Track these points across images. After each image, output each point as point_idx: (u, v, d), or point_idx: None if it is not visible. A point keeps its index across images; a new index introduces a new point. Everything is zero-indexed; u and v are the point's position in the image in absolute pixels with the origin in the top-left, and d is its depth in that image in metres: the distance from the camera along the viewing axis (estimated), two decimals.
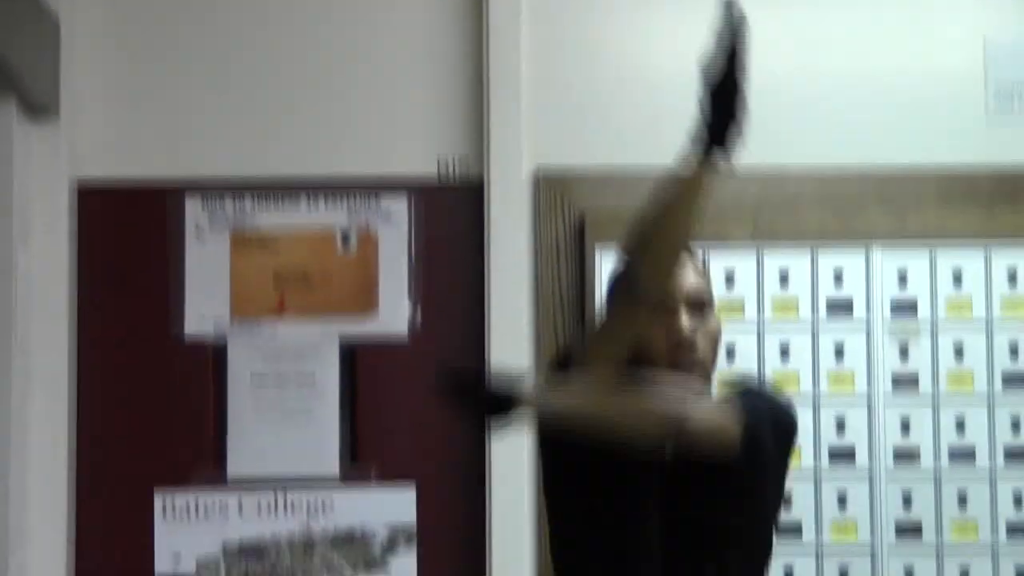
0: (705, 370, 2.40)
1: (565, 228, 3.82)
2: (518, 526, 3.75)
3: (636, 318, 2.30)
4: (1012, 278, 3.79)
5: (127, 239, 3.94)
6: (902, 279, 3.79)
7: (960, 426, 3.76)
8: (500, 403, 2.29)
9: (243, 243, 3.92)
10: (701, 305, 2.40)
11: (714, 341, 2.41)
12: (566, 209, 3.82)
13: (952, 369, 3.78)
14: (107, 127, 3.92)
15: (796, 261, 3.81)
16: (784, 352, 3.78)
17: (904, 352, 3.77)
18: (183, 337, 3.90)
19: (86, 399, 3.89)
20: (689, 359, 2.37)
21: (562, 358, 2.50)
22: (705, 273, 2.48)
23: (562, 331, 3.79)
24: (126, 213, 3.93)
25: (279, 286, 3.91)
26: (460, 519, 3.85)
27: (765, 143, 3.83)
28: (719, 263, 3.78)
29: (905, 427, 3.76)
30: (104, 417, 3.90)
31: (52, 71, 3.81)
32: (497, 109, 3.84)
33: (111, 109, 3.92)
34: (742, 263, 3.80)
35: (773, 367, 3.77)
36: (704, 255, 3.74)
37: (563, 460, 2.47)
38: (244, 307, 3.91)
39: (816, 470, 3.75)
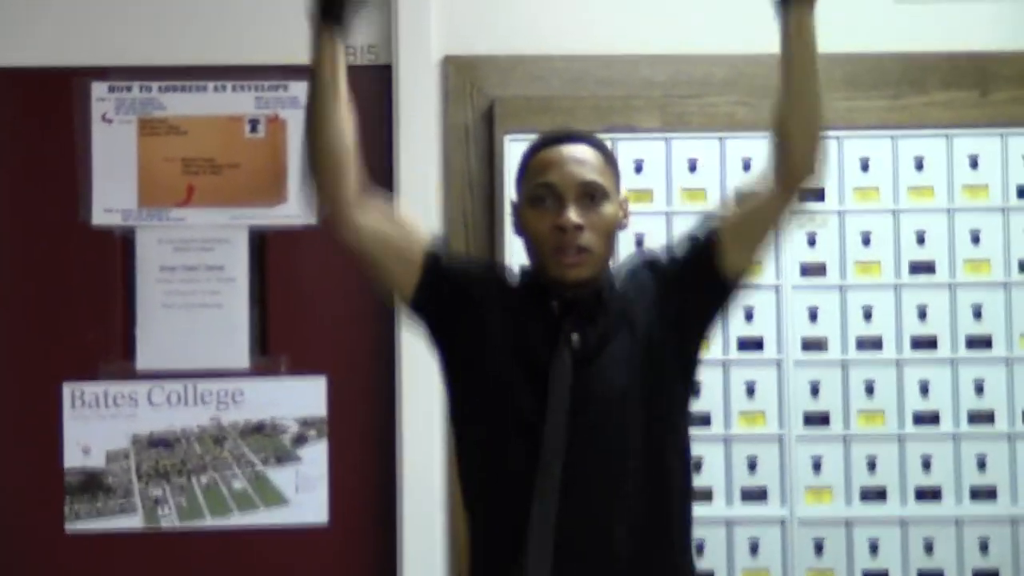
0: (593, 257, 2.48)
1: (474, 114, 3.81)
2: (429, 416, 3.75)
3: None
4: (919, 166, 3.80)
5: (32, 125, 3.89)
6: None
7: (867, 315, 3.78)
8: None
9: (150, 130, 3.89)
10: (592, 195, 2.48)
11: (606, 230, 2.50)
12: (475, 95, 3.81)
13: (859, 258, 3.79)
14: (12, 12, 3.87)
15: (705, 150, 3.81)
16: None
17: (812, 241, 3.78)
18: (90, 226, 3.87)
19: None
20: (571, 244, 2.45)
21: None
22: (607, 164, 2.55)
23: (470, 216, 3.79)
24: (31, 99, 3.89)
25: (187, 174, 3.89)
26: (371, 411, 3.85)
27: (673, 31, 3.89)
28: (628, 152, 3.78)
29: (812, 316, 3.77)
30: (9, 308, 3.88)
31: None
32: None
33: None
34: (651, 152, 3.80)
35: None
36: (613, 146, 3.76)
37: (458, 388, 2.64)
38: (152, 195, 3.88)
39: (725, 360, 3.76)
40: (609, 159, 2.58)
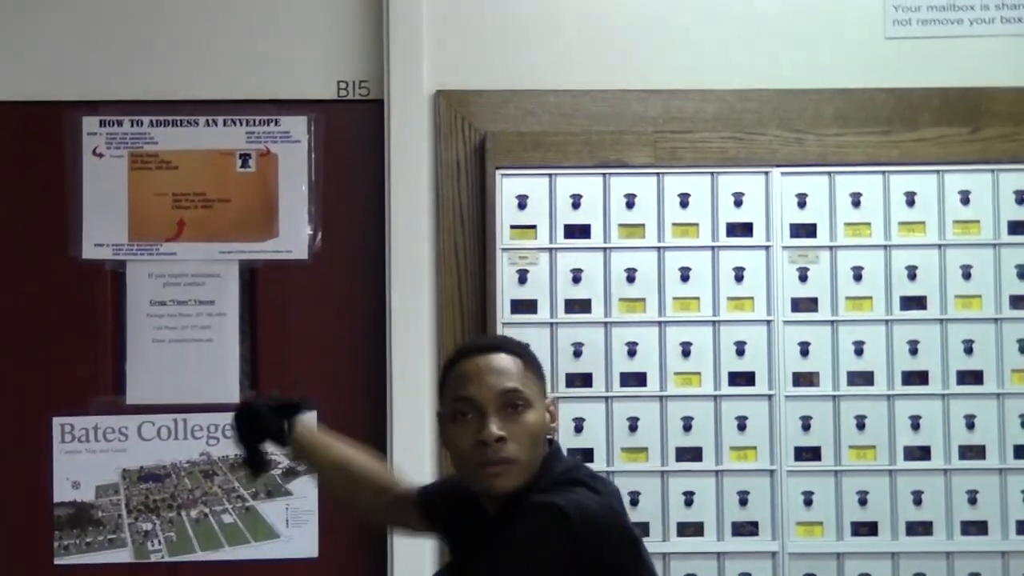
0: (518, 467, 2.38)
1: (466, 149, 3.81)
2: (419, 451, 3.74)
3: None
4: (910, 202, 3.80)
5: (23, 159, 3.89)
6: (801, 203, 3.80)
7: (858, 350, 3.78)
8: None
9: (141, 164, 3.88)
10: (514, 404, 2.39)
11: (530, 439, 2.39)
12: (467, 130, 3.81)
13: (851, 293, 3.79)
14: (3, 46, 3.87)
15: (697, 185, 3.81)
16: (684, 277, 3.78)
17: (803, 276, 3.79)
18: (81, 260, 3.86)
19: None
20: (496, 458, 2.36)
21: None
22: (527, 370, 2.45)
23: (462, 250, 3.79)
24: (22, 133, 3.89)
25: (178, 208, 3.88)
26: (361, 445, 3.83)
27: (665, 68, 3.89)
28: (620, 187, 3.79)
29: (804, 351, 3.77)
30: (0, 342, 3.87)
31: None
32: (397, 32, 3.81)
33: (8, 29, 3.87)
34: (643, 187, 3.80)
35: (673, 291, 3.78)
36: (605, 181, 3.76)
37: None
38: (143, 229, 3.87)
39: (716, 395, 3.76)
40: (530, 364, 2.45)
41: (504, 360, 2.42)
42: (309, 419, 2.84)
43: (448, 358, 2.51)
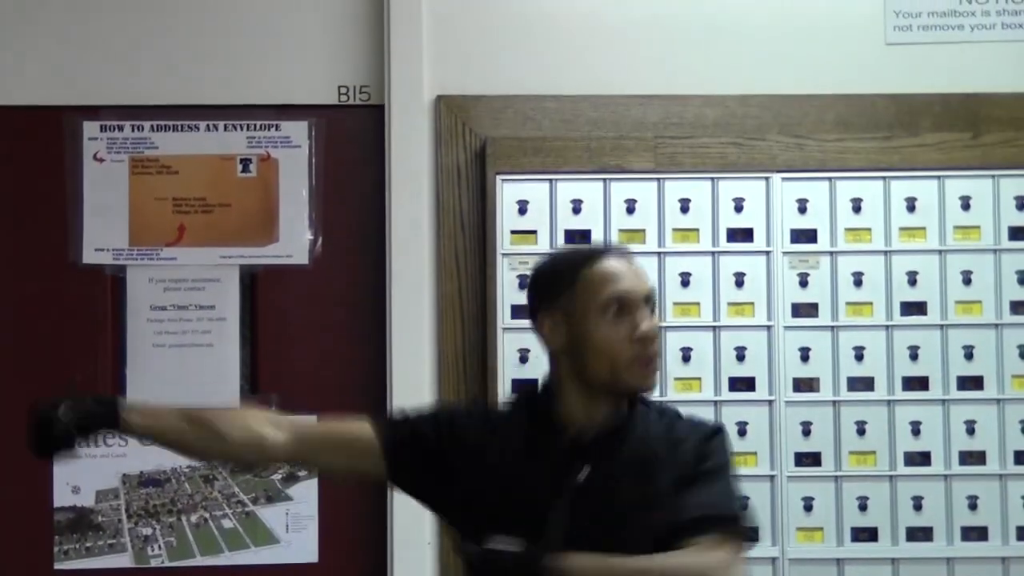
0: (659, 363, 2.47)
1: (467, 154, 3.82)
2: None
3: None
4: (911, 207, 3.81)
5: (24, 164, 3.89)
6: (802, 208, 3.80)
7: (859, 355, 3.78)
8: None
9: (142, 169, 3.88)
10: (652, 306, 2.47)
11: (659, 338, 2.49)
12: (467, 135, 3.82)
13: (851, 298, 3.79)
14: (3, 51, 3.87)
15: (697, 190, 3.81)
16: (685, 282, 3.78)
17: (804, 282, 3.79)
18: (81, 265, 3.86)
19: None
20: (652, 353, 2.43)
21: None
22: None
23: (463, 256, 3.79)
24: (22, 137, 3.89)
25: (178, 213, 3.88)
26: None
27: (666, 73, 3.89)
28: (620, 192, 3.79)
29: (804, 356, 3.77)
30: (0, 346, 3.87)
31: None
32: (398, 37, 3.82)
33: (9, 33, 3.88)
34: (643, 192, 3.80)
35: (673, 296, 3.78)
36: (605, 186, 3.77)
37: None
38: (143, 234, 3.88)
39: (716, 400, 3.76)
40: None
41: (636, 263, 2.51)
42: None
43: (572, 258, 2.53)
